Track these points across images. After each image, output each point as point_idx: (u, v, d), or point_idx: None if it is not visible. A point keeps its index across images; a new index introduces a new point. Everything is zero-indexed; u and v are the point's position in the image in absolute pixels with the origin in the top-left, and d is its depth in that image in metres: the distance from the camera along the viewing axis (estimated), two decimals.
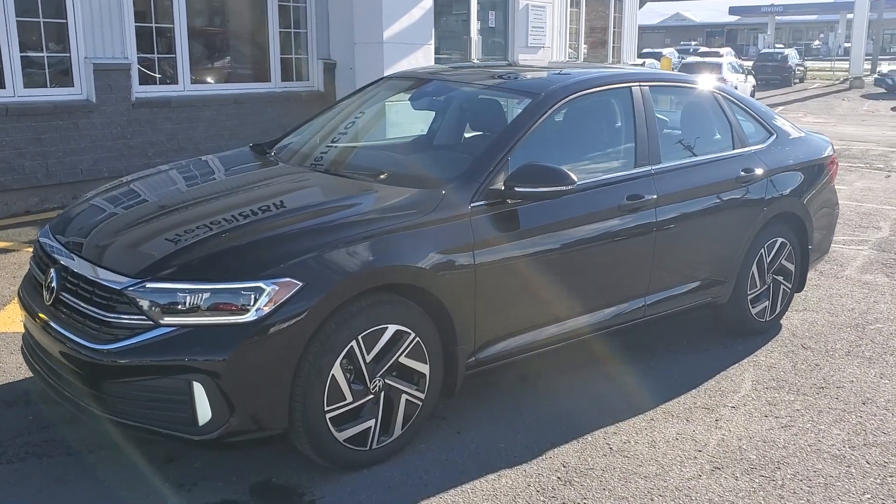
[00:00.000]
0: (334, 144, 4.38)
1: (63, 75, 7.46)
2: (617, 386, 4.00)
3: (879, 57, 39.35)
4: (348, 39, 9.33)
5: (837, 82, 34.68)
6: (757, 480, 3.21)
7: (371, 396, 3.10)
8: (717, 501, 3.06)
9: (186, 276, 2.85)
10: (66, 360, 2.95)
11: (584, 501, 3.03)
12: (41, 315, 3.12)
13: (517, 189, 3.38)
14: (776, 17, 58.57)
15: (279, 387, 2.85)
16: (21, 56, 7.09)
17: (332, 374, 2.95)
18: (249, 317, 2.79)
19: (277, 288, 2.81)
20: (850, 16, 41.37)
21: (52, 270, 3.16)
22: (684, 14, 68.79)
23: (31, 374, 3.45)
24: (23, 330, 3.47)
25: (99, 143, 7.62)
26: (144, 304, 2.81)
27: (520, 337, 3.58)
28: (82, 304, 2.96)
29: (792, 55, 36.16)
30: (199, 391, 2.77)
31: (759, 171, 4.50)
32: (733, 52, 37.27)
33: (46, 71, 7.35)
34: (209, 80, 8.88)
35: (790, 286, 4.87)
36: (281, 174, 3.95)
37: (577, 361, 4.17)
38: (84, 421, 3.07)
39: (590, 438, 3.48)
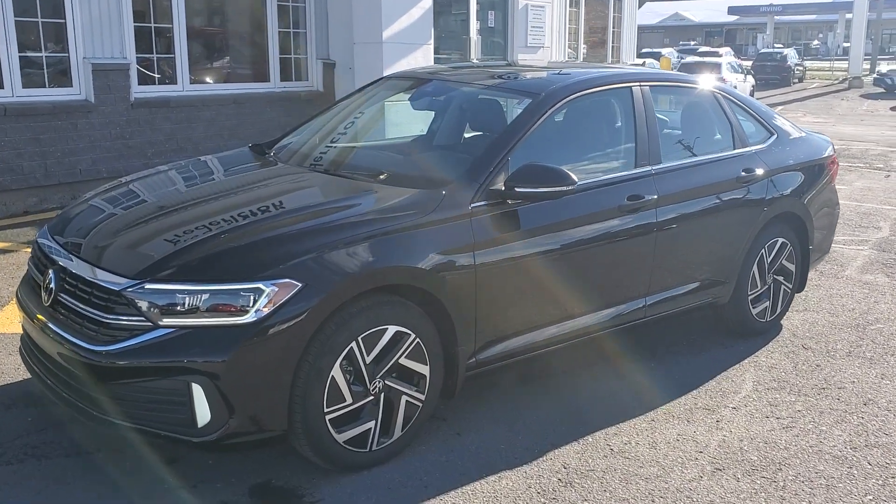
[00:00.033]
0: (334, 145, 4.37)
1: (62, 75, 7.45)
2: (618, 387, 3.99)
3: (878, 57, 39.34)
4: (347, 39, 9.31)
5: (836, 82, 34.70)
6: (758, 482, 3.20)
7: (371, 398, 3.09)
8: (718, 503, 3.06)
9: (185, 276, 2.84)
10: (65, 361, 2.95)
11: (585, 503, 3.02)
12: (39, 316, 3.11)
13: (517, 189, 3.37)
14: (775, 17, 58.54)
15: (279, 388, 2.84)
16: (20, 56, 7.07)
17: (332, 376, 2.94)
18: (249, 318, 2.78)
19: (277, 289, 2.80)
20: (849, 16, 41.33)
21: (50, 271, 3.15)
22: (683, 14, 68.77)
23: (29, 376, 3.43)
24: (21, 331, 3.46)
25: (98, 143, 7.60)
26: (143, 305, 2.80)
27: (520, 338, 3.57)
28: (81, 305, 2.95)
29: (791, 55, 36.21)
30: (198, 392, 2.76)
31: (759, 171, 4.50)
32: (732, 52, 37.27)
33: (45, 71, 7.33)
34: (208, 80, 8.86)
35: (791, 286, 4.86)
36: (280, 174, 3.94)
37: (580, 362, 4.16)
38: (83, 422, 3.06)
39: (590, 439, 3.47)
